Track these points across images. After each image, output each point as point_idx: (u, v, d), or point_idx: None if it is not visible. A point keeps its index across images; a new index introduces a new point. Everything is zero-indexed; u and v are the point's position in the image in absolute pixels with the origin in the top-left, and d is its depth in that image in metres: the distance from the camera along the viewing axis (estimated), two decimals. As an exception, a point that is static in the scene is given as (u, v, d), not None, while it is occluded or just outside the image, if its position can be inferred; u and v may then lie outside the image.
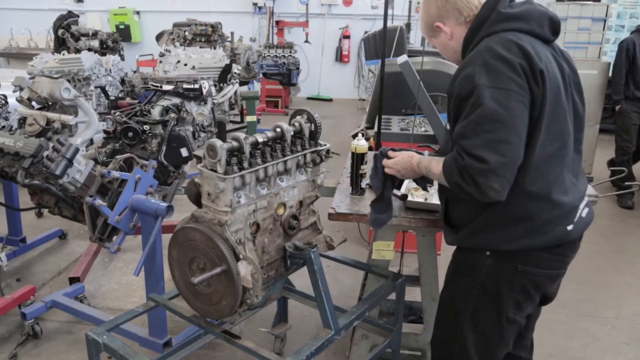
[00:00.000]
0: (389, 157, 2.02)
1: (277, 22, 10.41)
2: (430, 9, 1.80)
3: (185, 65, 4.00)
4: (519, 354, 2.06)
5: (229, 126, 6.06)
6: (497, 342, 1.86)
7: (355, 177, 2.41)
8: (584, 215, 1.78)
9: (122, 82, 4.28)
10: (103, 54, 5.15)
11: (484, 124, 1.53)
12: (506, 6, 1.68)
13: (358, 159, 2.38)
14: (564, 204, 1.70)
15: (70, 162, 2.49)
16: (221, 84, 4.10)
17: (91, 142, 2.95)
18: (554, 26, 1.70)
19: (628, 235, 4.63)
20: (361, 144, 2.38)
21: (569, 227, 1.72)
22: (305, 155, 1.97)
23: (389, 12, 4.29)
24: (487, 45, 1.61)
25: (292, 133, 1.91)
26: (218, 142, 1.67)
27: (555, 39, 1.73)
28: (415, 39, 9.12)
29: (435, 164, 1.78)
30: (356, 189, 2.41)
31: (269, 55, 8.40)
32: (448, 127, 1.81)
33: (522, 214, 1.67)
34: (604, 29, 5.76)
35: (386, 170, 2.01)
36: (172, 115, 3.23)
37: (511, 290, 1.75)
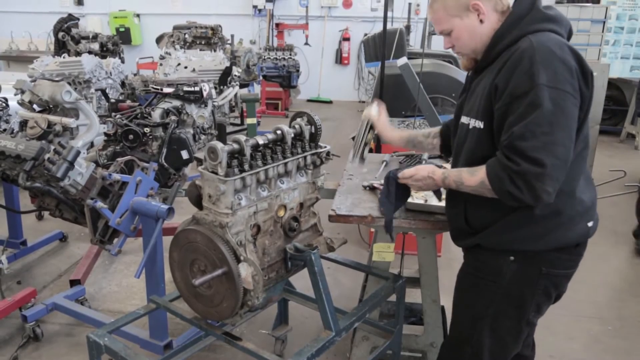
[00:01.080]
0: (398, 179, 1.95)
1: (277, 25, 10.43)
2: None
3: (186, 67, 4.00)
4: (524, 353, 2.07)
5: (229, 129, 6.08)
6: (512, 346, 1.87)
7: (362, 143, 2.39)
8: (595, 214, 1.82)
9: (123, 84, 4.28)
10: (103, 57, 5.16)
11: (542, 126, 1.51)
12: (543, 5, 1.69)
13: (368, 125, 2.37)
14: (585, 200, 1.72)
15: (71, 165, 2.49)
16: (221, 87, 4.11)
17: (92, 144, 2.95)
18: (570, 32, 1.73)
19: (629, 236, 4.63)
20: (373, 112, 2.36)
21: (590, 224, 1.75)
22: (305, 157, 1.98)
23: (389, 14, 4.30)
24: (541, 43, 1.57)
25: (292, 135, 1.92)
26: (219, 145, 1.68)
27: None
28: (414, 41, 9.14)
29: (468, 176, 1.71)
30: (360, 156, 2.41)
31: (269, 58, 8.40)
32: (474, 124, 1.73)
33: (550, 211, 1.65)
34: (603, 31, 5.78)
35: (407, 182, 1.93)
36: (173, 117, 3.23)
37: (534, 293, 1.76)
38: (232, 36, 7.12)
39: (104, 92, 3.99)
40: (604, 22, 5.75)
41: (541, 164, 1.50)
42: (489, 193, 1.65)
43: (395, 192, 1.99)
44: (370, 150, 2.69)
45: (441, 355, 2.05)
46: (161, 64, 4.08)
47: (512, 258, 1.74)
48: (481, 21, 1.70)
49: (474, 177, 1.68)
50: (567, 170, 1.59)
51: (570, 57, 1.57)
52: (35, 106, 3.00)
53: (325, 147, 2.04)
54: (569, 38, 1.71)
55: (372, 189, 2.44)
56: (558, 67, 1.53)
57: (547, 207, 1.64)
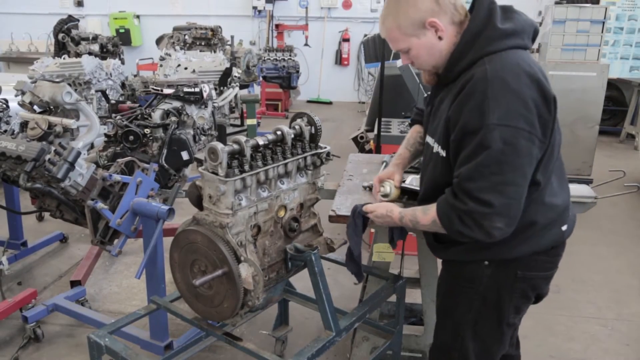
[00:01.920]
0: (365, 213, 1.95)
1: (277, 26, 10.43)
2: (421, 2, 1.59)
3: (186, 68, 4.01)
4: (509, 352, 2.07)
5: (230, 129, 6.08)
6: (497, 347, 1.87)
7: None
8: (570, 214, 1.81)
9: (123, 85, 4.29)
10: (103, 58, 5.15)
11: (490, 166, 1.48)
12: (501, 19, 1.58)
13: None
14: (558, 205, 1.71)
15: (72, 166, 2.50)
16: (221, 88, 4.11)
17: (92, 145, 2.96)
18: (534, 35, 1.66)
19: (628, 236, 4.64)
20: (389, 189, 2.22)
21: (564, 228, 1.74)
22: (305, 157, 1.98)
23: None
24: (495, 73, 1.50)
25: (292, 136, 1.92)
26: (219, 145, 1.68)
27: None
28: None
29: (421, 215, 1.70)
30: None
31: (269, 59, 8.40)
32: (438, 150, 1.69)
33: (522, 223, 1.61)
34: (602, 31, 5.76)
35: (369, 216, 1.93)
36: (173, 118, 3.24)
37: (511, 296, 1.76)
38: (232, 37, 7.11)
39: (104, 93, 3.99)
40: (604, 23, 5.74)
41: (489, 205, 1.48)
42: (443, 231, 1.64)
43: (361, 225, 1.99)
44: (370, 150, 2.69)
45: (431, 358, 2.05)
46: (161, 65, 4.09)
47: (486, 263, 1.73)
48: (440, 38, 1.62)
49: (427, 217, 1.67)
50: (537, 182, 1.59)
51: (529, 87, 1.49)
52: (35, 107, 3.01)
53: (326, 147, 2.05)
54: (534, 39, 1.66)
55: (372, 189, 2.45)
56: (511, 102, 1.46)
57: (520, 220, 1.57)
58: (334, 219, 2.23)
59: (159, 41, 7.32)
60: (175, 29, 7.04)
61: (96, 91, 4.10)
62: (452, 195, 1.57)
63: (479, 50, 1.56)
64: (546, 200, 1.66)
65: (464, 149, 1.53)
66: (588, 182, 2.56)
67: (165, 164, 3.17)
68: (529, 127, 1.47)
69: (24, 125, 2.88)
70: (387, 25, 1.67)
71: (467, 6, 1.68)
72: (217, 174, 1.71)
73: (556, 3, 6.06)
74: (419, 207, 1.75)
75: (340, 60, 10.81)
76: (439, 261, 2.01)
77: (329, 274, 3.04)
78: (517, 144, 1.46)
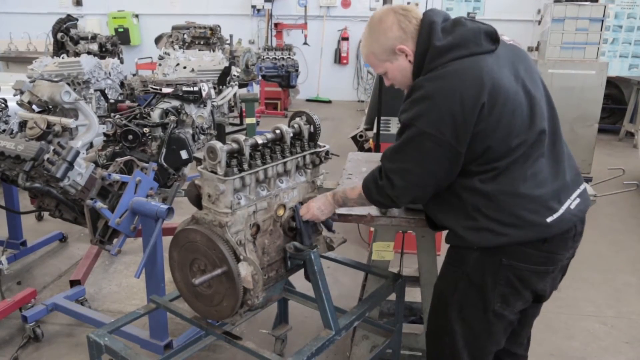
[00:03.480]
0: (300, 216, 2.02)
1: (276, 25, 10.42)
2: (390, 31, 1.77)
3: (185, 68, 4.00)
4: (515, 351, 2.07)
5: (229, 128, 6.08)
6: (486, 337, 1.88)
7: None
8: (572, 207, 1.77)
9: (122, 85, 4.29)
10: (102, 57, 5.15)
11: (399, 153, 1.76)
12: (440, 37, 1.71)
13: None
14: (535, 196, 1.71)
15: (70, 165, 2.50)
16: (220, 87, 4.11)
17: (91, 145, 2.95)
18: (492, 37, 1.73)
19: (627, 234, 4.64)
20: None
21: (548, 220, 1.71)
22: (304, 156, 1.98)
23: (387, 13, 4.30)
24: (427, 86, 1.67)
25: (291, 135, 1.92)
26: (218, 144, 1.68)
27: (497, 46, 1.73)
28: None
29: (350, 190, 1.98)
30: None
31: (268, 58, 8.39)
32: None
33: (493, 212, 1.72)
34: (601, 30, 5.76)
35: (306, 217, 2.00)
36: (172, 117, 3.23)
37: (496, 282, 1.78)
38: (231, 36, 7.12)
39: (103, 92, 3.99)
40: (602, 21, 5.74)
41: (393, 184, 1.78)
42: (368, 203, 1.94)
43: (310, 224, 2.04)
44: (369, 149, 2.69)
45: (427, 346, 2.08)
46: (160, 64, 4.09)
47: (475, 247, 1.78)
48: (410, 61, 1.79)
49: (354, 192, 1.95)
50: (501, 178, 1.70)
51: (449, 99, 1.63)
52: (34, 107, 3.00)
53: (325, 146, 2.05)
54: (493, 41, 1.72)
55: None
56: (427, 110, 1.66)
57: (491, 210, 1.72)
58: (333, 217, 2.22)
59: (157, 40, 7.32)
60: (174, 28, 7.04)
61: (95, 90, 4.10)
62: (377, 170, 1.84)
63: (426, 69, 1.74)
64: (521, 191, 1.70)
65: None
66: (587, 180, 2.56)
67: (164, 163, 3.17)
68: (438, 133, 1.65)
69: (22, 124, 2.88)
70: (365, 52, 1.90)
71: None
72: (216, 173, 1.71)
73: (555, 1, 6.05)
74: (347, 187, 2.04)
75: (339, 59, 10.81)
76: (439, 259, 2.02)
77: (329, 273, 3.05)
78: (422, 143, 1.69)
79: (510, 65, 1.73)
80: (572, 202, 1.77)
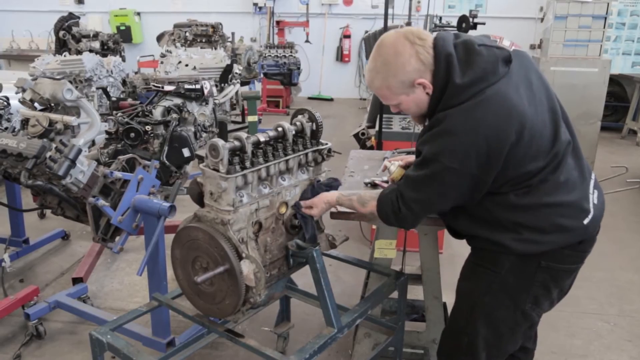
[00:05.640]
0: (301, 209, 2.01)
1: (278, 22, 10.42)
2: (409, 65, 1.67)
3: (187, 65, 4.00)
4: (526, 345, 2.09)
5: (231, 126, 6.08)
6: (508, 338, 1.88)
7: None
8: (595, 201, 1.80)
9: (124, 83, 4.29)
10: (104, 55, 5.16)
11: (422, 183, 1.71)
12: (459, 73, 1.64)
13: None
14: (571, 202, 1.73)
15: (73, 163, 2.50)
16: (222, 84, 4.10)
17: (93, 142, 2.96)
18: (506, 61, 1.68)
19: (630, 232, 4.63)
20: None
21: (585, 222, 1.75)
22: (306, 154, 1.98)
23: (390, 11, 4.29)
24: (450, 121, 1.63)
25: (293, 132, 1.92)
26: (220, 142, 1.68)
27: (510, 66, 1.68)
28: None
29: (359, 206, 1.94)
30: None
31: (270, 55, 8.39)
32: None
33: (541, 224, 1.72)
34: (604, 27, 5.75)
35: (310, 213, 1.99)
36: (174, 115, 3.23)
37: (531, 284, 1.79)
38: (233, 34, 7.11)
39: (105, 90, 3.99)
40: (605, 18, 5.72)
41: (412, 212, 1.78)
42: (377, 219, 1.90)
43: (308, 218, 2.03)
44: (372, 147, 2.68)
45: (441, 344, 2.07)
46: (162, 62, 4.08)
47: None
48: (427, 94, 1.72)
49: (365, 209, 1.92)
50: (537, 193, 1.70)
51: (474, 133, 1.59)
52: (36, 104, 3.00)
53: (327, 144, 2.04)
54: (507, 63, 1.67)
55: (374, 185, 2.44)
56: (451, 145, 1.62)
57: (545, 223, 1.72)
58: (336, 215, 2.22)
59: (159, 38, 7.31)
60: (176, 26, 7.03)
61: (97, 88, 4.10)
62: (395, 197, 1.79)
63: (445, 105, 1.68)
64: (557, 200, 1.71)
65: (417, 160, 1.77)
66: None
67: (166, 161, 3.17)
68: (463, 167, 1.62)
69: (24, 122, 2.88)
70: (377, 84, 1.78)
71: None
72: (218, 171, 1.71)
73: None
74: (354, 198, 1.96)
75: (341, 56, 10.79)
76: (441, 257, 2.02)
77: (331, 271, 3.05)
78: (447, 178, 1.66)
79: (524, 80, 1.70)
80: (593, 196, 1.80)
